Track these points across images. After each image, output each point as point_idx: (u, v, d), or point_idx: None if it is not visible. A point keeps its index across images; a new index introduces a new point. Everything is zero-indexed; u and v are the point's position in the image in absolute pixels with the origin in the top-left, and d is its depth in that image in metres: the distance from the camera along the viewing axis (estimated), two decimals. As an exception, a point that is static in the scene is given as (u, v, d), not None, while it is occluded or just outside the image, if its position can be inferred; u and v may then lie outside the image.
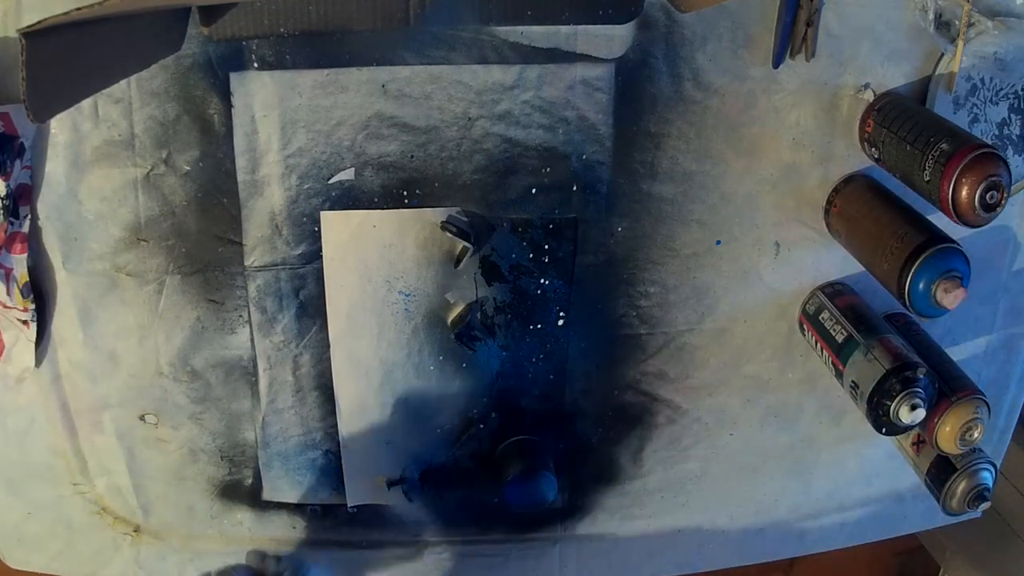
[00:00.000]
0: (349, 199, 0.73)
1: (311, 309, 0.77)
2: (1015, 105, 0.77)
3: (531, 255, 0.77)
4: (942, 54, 0.73)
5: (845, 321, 0.76)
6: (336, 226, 0.74)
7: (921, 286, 0.66)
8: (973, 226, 0.65)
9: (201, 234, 0.73)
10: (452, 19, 0.68)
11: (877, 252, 0.70)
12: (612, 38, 0.70)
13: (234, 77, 0.68)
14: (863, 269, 0.76)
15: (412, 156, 0.72)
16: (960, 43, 0.73)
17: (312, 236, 0.74)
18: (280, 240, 0.74)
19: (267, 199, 0.72)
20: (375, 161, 0.72)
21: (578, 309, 0.79)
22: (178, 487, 0.84)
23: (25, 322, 0.74)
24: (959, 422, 0.72)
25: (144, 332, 0.76)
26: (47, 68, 0.48)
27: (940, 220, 0.67)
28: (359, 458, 0.83)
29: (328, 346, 0.78)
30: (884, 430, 0.71)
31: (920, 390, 0.69)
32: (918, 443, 0.80)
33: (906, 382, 0.69)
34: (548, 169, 0.74)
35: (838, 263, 0.81)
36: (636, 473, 0.88)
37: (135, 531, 0.86)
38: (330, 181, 0.72)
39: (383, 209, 0.73)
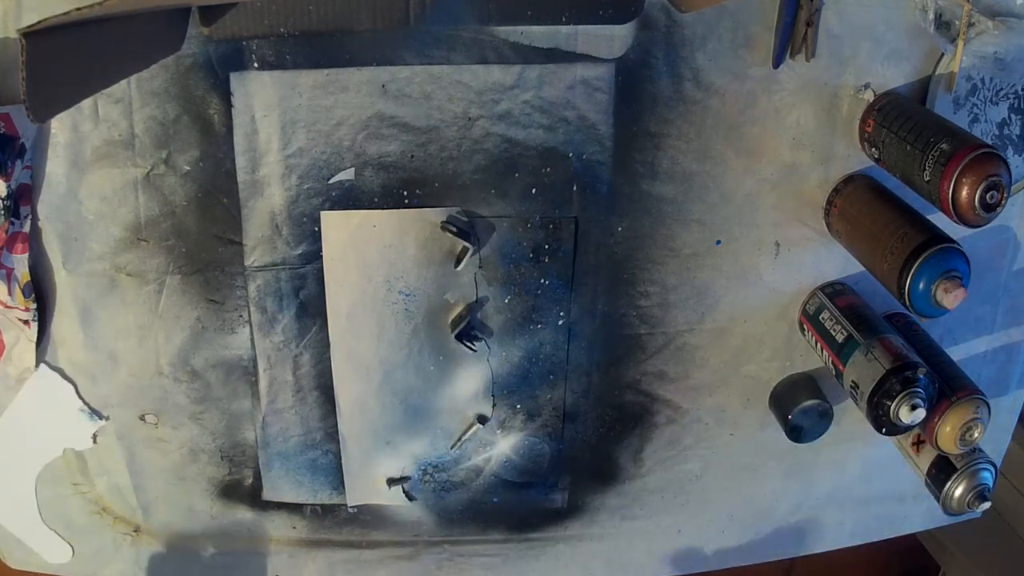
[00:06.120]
0: (349, 199, 0.73)
1: (311, 309, 0.77)
2: (1015, 105, 0.77)
3: (531, 255, 0.77)
4: (942, 54, 0.73)
5: (845, 321, 0.76)
6: (336, 226, 0.74)
7: (921, 286, 0.66)
8: (973, 226, 0.65)
9: (201, 234, 0.73)
10: (452, 19, 0.68)
11: (877, 252, 0.70)
12: (612, 38, 0.70)
13: (234, 77, 0.68)
14: (863, 269, 0.76)
15: (412, 156, 0.72)
16: (960, 43, 0.73)
17: (312, 236, 0.74)
18: (280, 240, 0.74)
19: (267, 199, 0.72)
20: (375, 161, 0.72)
21: (578, 309, 0.79)
22: (178, 487, 0.84)
23: (26, 322, 0.74)
24: (959, 422, 0.72)
25: (144, 332, 0.76)
26: (47, 68, 0.48)
27: (940, 220, 0.67)
28: (359, 458, 0.83)
29: (328, 346, 0.78)
30: (884, 430, 0.71)
31: (920, 390, 0.69)
32: (918, 443, 0.80)
33: (906, 382, 0.69)
34: (548, 169, 0.74)
35: (838, 263, 0.81)
36: (636, 473, 0.88)
37: (135, 531, 0.86)
38: (330, 181, 0.72)
39: (383, 209, 0.73)
